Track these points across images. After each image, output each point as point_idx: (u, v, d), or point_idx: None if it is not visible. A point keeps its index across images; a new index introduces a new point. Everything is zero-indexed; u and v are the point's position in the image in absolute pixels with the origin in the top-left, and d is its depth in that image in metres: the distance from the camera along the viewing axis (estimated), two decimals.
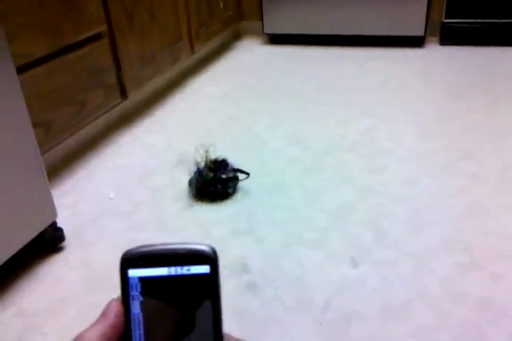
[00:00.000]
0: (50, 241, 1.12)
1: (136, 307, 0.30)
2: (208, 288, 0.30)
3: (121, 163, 1.57)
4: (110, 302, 0.30)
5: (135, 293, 0.30)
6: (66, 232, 1.16)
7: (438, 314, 0.95)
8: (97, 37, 1.54)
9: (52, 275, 1.08)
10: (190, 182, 1.35)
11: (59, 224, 1.15)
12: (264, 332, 0.93)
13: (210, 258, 0.31)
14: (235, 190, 1.36)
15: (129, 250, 0.31)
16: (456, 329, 0.91)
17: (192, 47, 2.21)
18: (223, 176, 1.31)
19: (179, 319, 0.30)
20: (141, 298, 0.30)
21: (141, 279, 0.30)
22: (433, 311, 0.95)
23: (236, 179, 1.36)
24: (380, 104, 1.94)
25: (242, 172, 1.40)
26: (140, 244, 0.31)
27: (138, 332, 0.30)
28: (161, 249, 0.31)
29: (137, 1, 1.73)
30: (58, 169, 1.52)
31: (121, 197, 1.37)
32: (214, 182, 1.32)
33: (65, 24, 1.37)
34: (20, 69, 1.18)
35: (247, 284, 1.04)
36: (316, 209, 1.29)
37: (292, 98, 2.03)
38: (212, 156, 1.36)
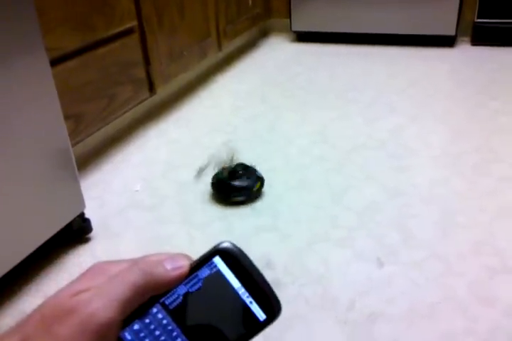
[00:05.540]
0: (77, 231, 1.14)
1: (193, 287, 0.30)
2: (251, 326, 0.30)
3: (148, 157, 1.58)
4: (184, 254, 0.30)
5: (202, 275, 0.30)
6: (93, 223, 1.18)
7: (466, 318, 0.92)
8: (128, 32, 1.56)
9: (78, 265, 1.09)
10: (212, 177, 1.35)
11: (86, 216, 1.16)
12: (288, 328, 0.92)
13: (274, 314, 0.30)
14: (246, 199, 1.30)
15: (234, 246, 0.30)
16: (484, 334, 0.89)
17: (219, 44, 2.21)
18: (236, 184, 1.29)
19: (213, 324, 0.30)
20: (200, 285, 0.30)
21: (215, 271, 0.30)
22: (461, 315, 0.93)
23: (248, 189, 1.29)
24: (409, 103, 1.91)
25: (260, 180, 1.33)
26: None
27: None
28: (254, 271, 0.30)
29: None
30: (85, 162, 1.54)
31: (147, 190, 1.38)
32: (227, 184, 1.29)
33: (97, 19, 1.39)
34: (53, 62, 1.19)
35: (270, 280, 1.03)
36: (342, 207, 1.27)
37: (319, 96, 2.02)
38: (242, 161, 1.34)
